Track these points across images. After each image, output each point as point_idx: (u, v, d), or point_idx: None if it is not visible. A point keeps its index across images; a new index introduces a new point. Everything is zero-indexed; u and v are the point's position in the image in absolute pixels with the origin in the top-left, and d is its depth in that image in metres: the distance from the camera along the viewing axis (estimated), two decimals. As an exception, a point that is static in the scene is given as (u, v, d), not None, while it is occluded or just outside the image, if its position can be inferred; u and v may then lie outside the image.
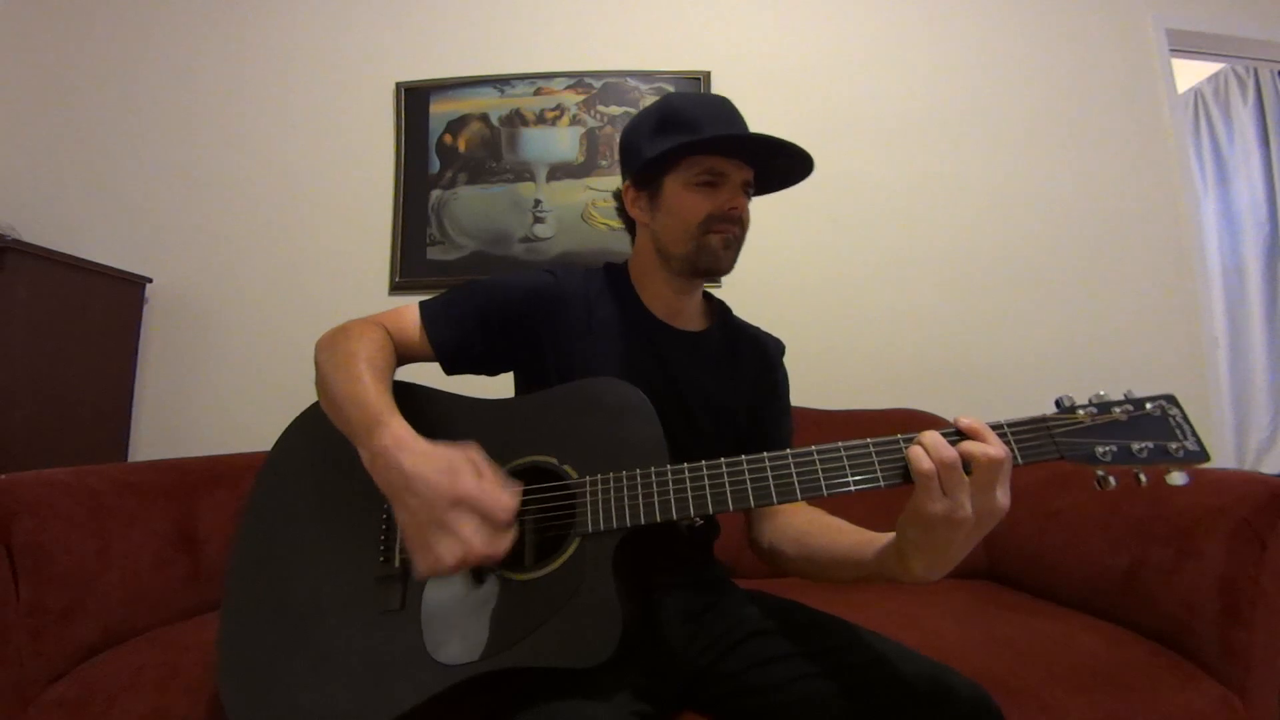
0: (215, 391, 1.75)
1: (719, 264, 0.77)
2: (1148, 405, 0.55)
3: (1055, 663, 0.80)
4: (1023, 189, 1.82)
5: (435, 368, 0.79)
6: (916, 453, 0.52)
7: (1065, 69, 1.88)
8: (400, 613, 0.62)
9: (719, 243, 0.76)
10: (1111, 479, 0.53)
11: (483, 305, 0.78)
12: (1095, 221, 1.82)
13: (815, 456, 0.57)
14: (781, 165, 0.77)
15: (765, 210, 1.80)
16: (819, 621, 0.71)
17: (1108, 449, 0.53)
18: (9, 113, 1.87)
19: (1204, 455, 0.52)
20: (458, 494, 0.53)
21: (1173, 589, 0.85)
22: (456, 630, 0.60)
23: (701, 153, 0.74)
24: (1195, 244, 1.85)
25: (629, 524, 0.59)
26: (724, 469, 0.59)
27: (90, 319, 1.60)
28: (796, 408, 0.92)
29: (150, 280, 1.75)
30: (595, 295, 0.81)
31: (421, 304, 0.78)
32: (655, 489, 0.60)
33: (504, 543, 0.54)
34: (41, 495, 0.86)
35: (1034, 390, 1.73)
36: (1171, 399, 0.55)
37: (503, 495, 0.55)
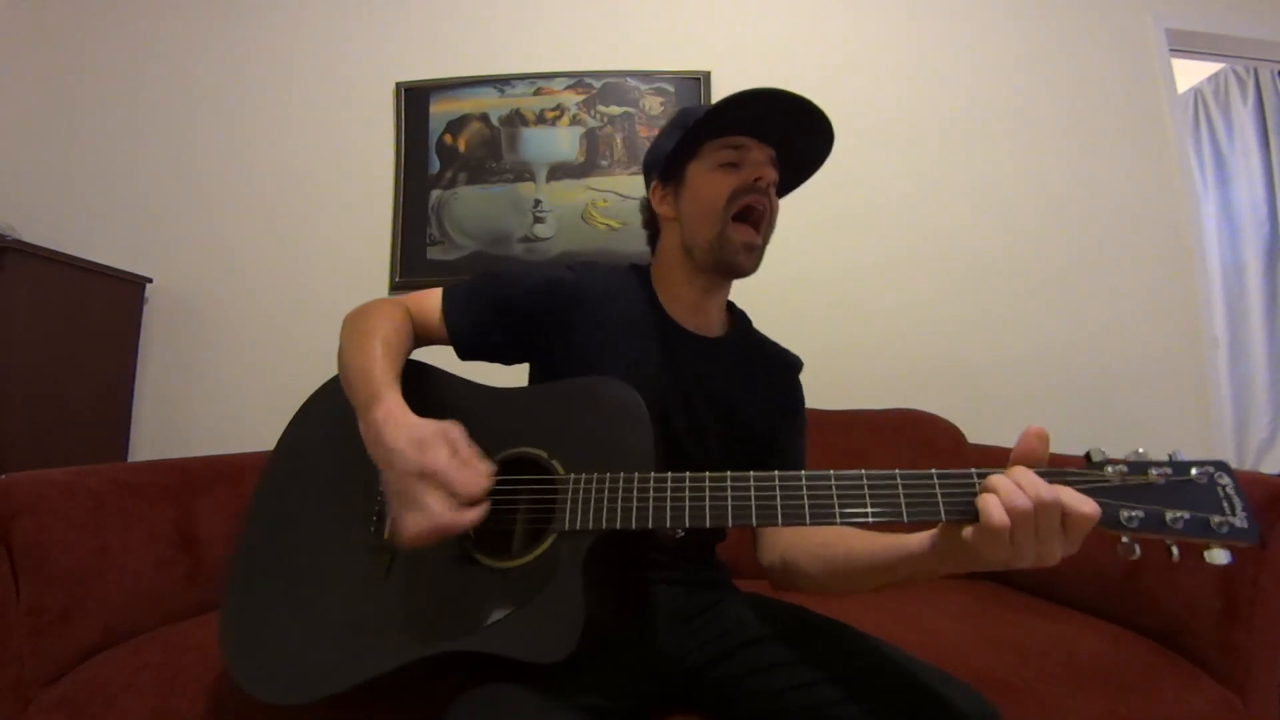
0: (215, 391, 1.75)
1: (738, 262, 0.76)
2: (1193, 471, 0.47)
3: (1055, 663, 0.80)
4: (1022, 189, 1.82)
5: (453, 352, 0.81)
6: (991, 502, 0.46)
7: (1065, 69, 1.88)
8: (384, 582, 0.65)
9: (740, 239, 0.75)
10: (1137, 548, 0.47)
11: (501, 296, 0.79)
12: (1095, 221, 1.82)
13: (803, 483, 0.54)
14: (802, 141, 0.77)
15: (765, 210, 1.81)
16: (818, 627, 0.70)
17: (1134, 514, 0.47)
18: (10, 113, 1.87)
19: (1253, 534, 0.46)
20: (424, 467, 0.55)
21: (1173, 589, 0.85)
22: (428, 607, 0.62)
23: (722, 134, 0.76)
24: (1195, 244, 1.85)
25: (604, 526, 0.59)
26: (706, 483, 0.58)
27: (90, 319, 1.60)
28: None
29: (150, 280, 1.75)
30: (613, 294, 0.81)
31: (445, 289, 0.80)
32: (635, 495, 0.59)
33: (469, 516, 0.55)
34: (41, 495, 0.86)
35: (1034, 390, 1.73)
36: (1223, 466, 0.48)
37: (470, 472, 0.56)
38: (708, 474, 0.58)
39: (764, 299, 1.64)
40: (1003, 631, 0.88)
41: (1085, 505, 0.45)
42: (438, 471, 0.55)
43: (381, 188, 1.82)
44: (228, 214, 1.82)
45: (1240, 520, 0.46)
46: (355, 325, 0.73)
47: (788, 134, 0.76)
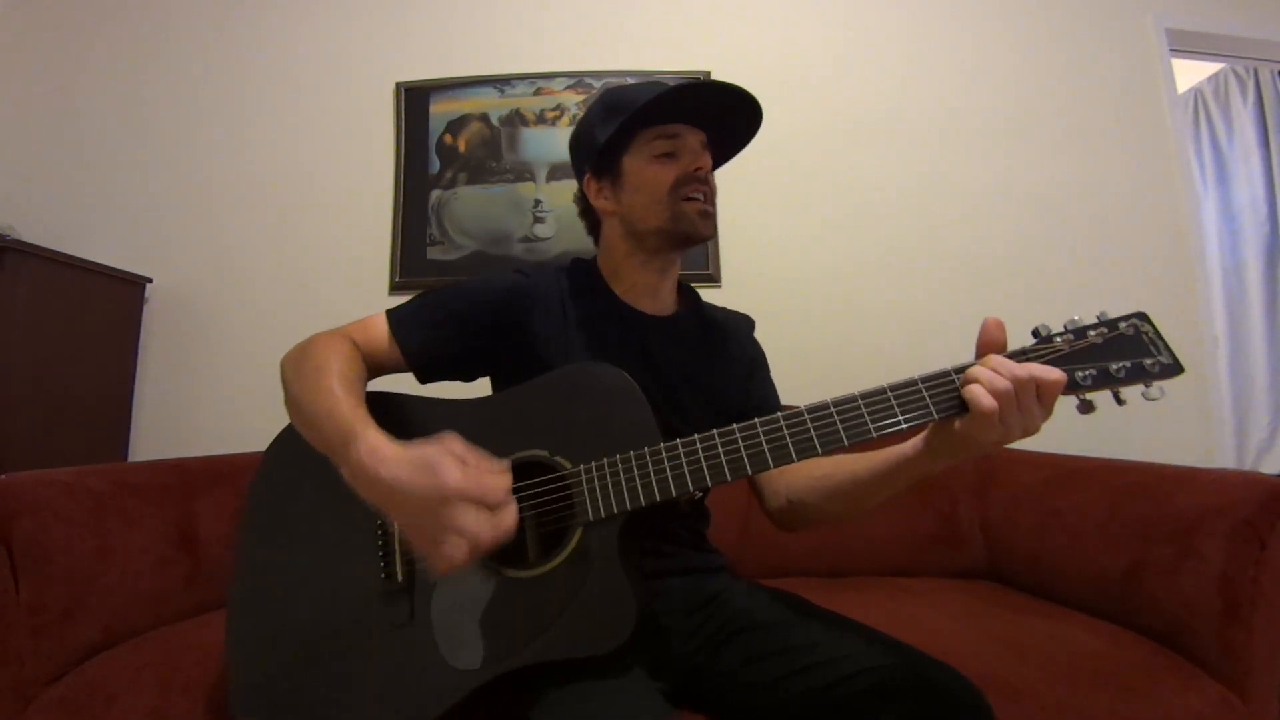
0: (215, 391, 1.75)
1: (697, 229, 0.77)
2: (1121, 325, 0.55)
3: (1055, 663, 0.80)
4: (1022, 189, 1.82)
5: (410, 379, 0.77)
6: (977, 390, 0.52)
7: (1065, 69, 1.88)
8: (411, 625, 0.62)
9: (694, 210, 0.76)
10: (1094, 402, 0.54)
11: (460, 308, 0.77)
12: (1095, 221, 1.82)
13: (806, 417, 0.58)
14: (731, 121, 0.78)
15: (766, 208, 1.81)
16: (813, 614, 0.71)
17: (1087, 373, 0.54)
18: (10, 113, 1.87)
19: (1178, 368, 0.54)
20: (446, 490, 0.51)
21: (1173, 589, 0.85)
22: (471, 635, 0.60)
23: (652, 123, 0.76)
24: (1195, 243, 1.85)
25: (629, 507, 0.59)
26: (717, 439, 0.60)
27: (90, 319, 1.60)
28: (792, 406, 0.92)
29: (150, 280, 1.75)
30: (568, 290, 0.80)
31: (388, 312, 0.77)
32: (651, 468, 0.60)
33: (508, 520, 0.52)
34: (41, 495, 0.86)
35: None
36: (1143, 316, 0.56)
37: (492, 477, 0.53)
38: (716, 430, 0.60)
39: (764, 299, 1.65)
40: (1003, 631, 0.88)
41: (1052, 373, 0.52)
42: (459, 489, 0.51)
43: (381, 188, 1.81)
44: (228, 214, 1.82)
45: (1166, 358, 0.54)
46: (301, 365, 0.67)
47: (717, 116, 0.77)
